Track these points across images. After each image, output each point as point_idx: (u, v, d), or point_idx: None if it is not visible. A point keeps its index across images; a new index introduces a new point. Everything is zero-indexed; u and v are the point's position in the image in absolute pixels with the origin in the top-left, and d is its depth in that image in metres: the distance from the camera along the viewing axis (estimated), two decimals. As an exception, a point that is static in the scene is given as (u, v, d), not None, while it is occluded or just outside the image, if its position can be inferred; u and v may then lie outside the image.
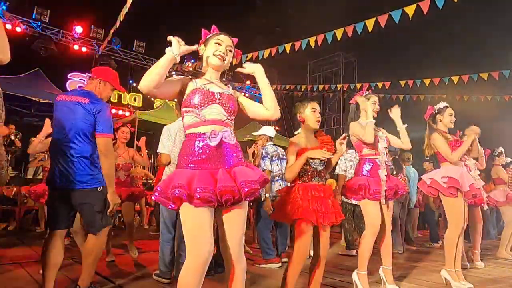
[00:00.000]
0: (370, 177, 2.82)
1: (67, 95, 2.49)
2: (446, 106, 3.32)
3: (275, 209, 2.52)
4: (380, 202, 2.83)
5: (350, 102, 3.06)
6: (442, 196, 3.19)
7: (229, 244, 1.70)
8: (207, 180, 1.57)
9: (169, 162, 3.03)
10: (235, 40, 1.83)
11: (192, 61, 12.43)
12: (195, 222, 1.57)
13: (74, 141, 2.34)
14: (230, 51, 1.80)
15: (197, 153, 1.63)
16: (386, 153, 2.91)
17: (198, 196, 1.52)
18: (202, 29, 1.82)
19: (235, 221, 1.71)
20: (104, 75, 2.63)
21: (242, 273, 1.70)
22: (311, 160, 2.37)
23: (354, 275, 2.87)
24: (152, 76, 1.56)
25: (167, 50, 1.60)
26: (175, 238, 3.12)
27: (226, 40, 1.78)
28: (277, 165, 4.08)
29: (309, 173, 2.38)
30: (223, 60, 1.77)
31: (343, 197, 4.91)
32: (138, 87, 1.60)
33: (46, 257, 2.29)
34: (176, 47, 1.61)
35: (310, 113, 2.46)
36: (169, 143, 3.03)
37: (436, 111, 3.35)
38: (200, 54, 1.83)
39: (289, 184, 2.48)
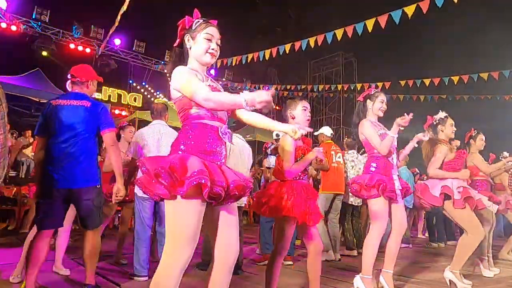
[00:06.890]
0: (383, 174, 2.72)
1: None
2: (446, 117, 3.30)
3: (258, 203, 2.39)
4: (395, 202, 2.78)
5: (358, 99, 2.97)
6: (451, 206, 3.04)
7: (227, 241, 1.62)
8: (219, 173, 1.52)
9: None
10: (215, 22, 1.72)
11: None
12: (194, 217, 1.48)
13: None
14: (219, 44, 1.72)
15: (208, 144, 1.58)
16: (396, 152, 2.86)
17: (215, 189, 1.47)
18: (186, 16, 1.70)
19: (235, 218, 1.70)
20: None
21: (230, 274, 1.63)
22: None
23: (358, 280, 2.71)
24: (219, 107, 1.53)
25: (242, 96, 1.45)
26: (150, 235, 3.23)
27: (215, 34, 1.68)
28: None
29: (301, 172, 2.37)
30: (215, 57, 1.71)
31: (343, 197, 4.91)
32: (203, 100, 1.48)
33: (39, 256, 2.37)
34: (254, 99, 1.44)
35: (300, 111, 2.42)
36: (136, 148, 3.26)
37: (437, 121, 3.31)
38: (187, 46, 1.69)
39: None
